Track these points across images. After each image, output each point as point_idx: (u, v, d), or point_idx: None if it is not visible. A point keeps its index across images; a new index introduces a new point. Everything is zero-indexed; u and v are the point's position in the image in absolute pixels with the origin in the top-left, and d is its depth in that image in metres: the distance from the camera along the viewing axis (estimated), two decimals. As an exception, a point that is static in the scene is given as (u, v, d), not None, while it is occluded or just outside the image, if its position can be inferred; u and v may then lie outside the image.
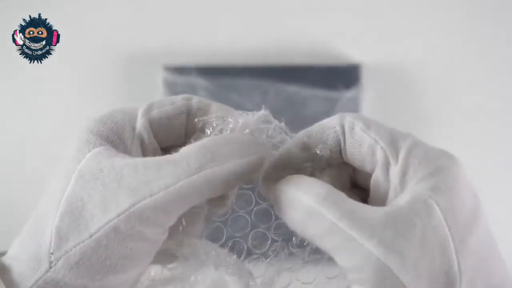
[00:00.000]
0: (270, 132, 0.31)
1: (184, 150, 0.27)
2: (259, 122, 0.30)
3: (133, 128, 0.29)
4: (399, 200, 0.26)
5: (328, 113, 0.90)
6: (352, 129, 0.29)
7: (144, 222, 0.25)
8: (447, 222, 0.25)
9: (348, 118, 0.29)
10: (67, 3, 0.82)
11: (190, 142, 0.30)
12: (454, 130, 0.84)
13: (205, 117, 0.31)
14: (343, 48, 0.83)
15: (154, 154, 0.30)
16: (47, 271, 0.24)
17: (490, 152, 0.83)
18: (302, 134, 0.31)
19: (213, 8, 0.83)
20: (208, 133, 0.30)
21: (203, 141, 0.27)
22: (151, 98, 0.88)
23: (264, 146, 0.29)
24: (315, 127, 0.31)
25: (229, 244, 0.32)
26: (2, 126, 0.84)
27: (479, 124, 0.84)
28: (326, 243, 0.26)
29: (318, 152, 0.30)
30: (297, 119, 0.80)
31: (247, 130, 0.30)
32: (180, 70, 0.81)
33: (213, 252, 0.30)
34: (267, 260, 0.32)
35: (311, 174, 0.30)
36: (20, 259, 0.25)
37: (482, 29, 0.84)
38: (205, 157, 0.26)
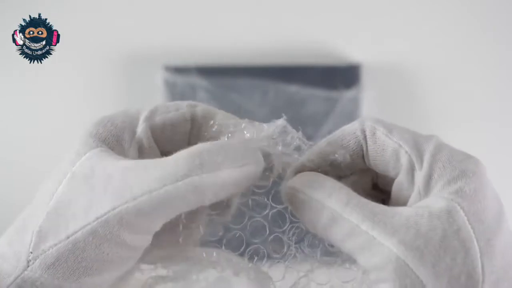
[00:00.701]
0: (280, 147, 0.30)
1: (176, 154, 0.26)
2: (270, 133, 0.30)
3: (134, 132, 0.29)
4: (423, 203, 0.26)
5: (328, 113, 0.90)
6: (373, 134, 0.29)
7: (124, 227, 0.24)
8: (471, 224, 0.25)
9: (369, 123, 0.29)
10: (67, 3, 0.82)
11: None
12: (454, 130, 0.84)
13: (211, 124, 0.30)
14: (343, 48, 0.83)
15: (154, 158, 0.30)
16: (24, 270, 0.24)
17: (490, 152, 0.83)
18: (323, 142, 0.30)
19: (213, 8, 0.83)
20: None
21: (196, 146, 0.26)
22: (151, 98, 0.88)
23: (259, 155, 0.28)
24: (336, 134, 0.30)
25: (248, 250, 0.32)
26: (2, 126, 0.84)
27: (479, 124, 0.84)
28: (348, 245, 0.26)
29: (338, 158, 0.29)
30: (297, 119, 0.80)
31: (247, 134, 0.29)
32: (180, 70, 0.81)
33: (233, 259, 0.30)
34: (286, 263, 0.31)
35: None
36: (6, 257, 0.25)
37: (482, 29, 0.83)
38: (193, 163, 0.25)
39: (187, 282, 0.31)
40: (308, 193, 0.27)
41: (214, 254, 0.30)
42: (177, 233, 0.29)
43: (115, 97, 0.83)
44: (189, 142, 0.31)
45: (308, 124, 0.80)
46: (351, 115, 0.81)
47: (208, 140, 0.30)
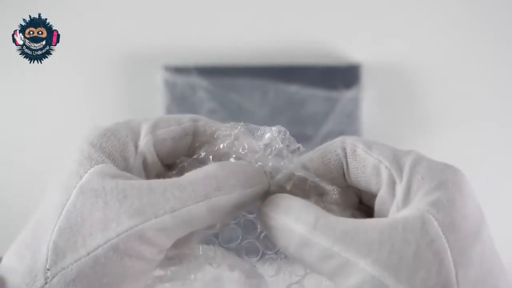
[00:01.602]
0: (270, 163, 0.30)
1: (191, 175, 0.27)
2: (264, 145, 0.30)
3: (136, 147, 0.29)
4: (397, 215, 0.26)
5: (328, 113, 0.90)
6: (354, 152, 0.29)
7: (144, 243, 0.25)
8: (445, 235, 0.24)
9: (349, 141, 0.30)
10: (67, 3, 0.82)
11: (199, 154, 0.30)
12: (454, 130, 0.84)
13: (207, 128, 0.30)
14: (343, 48, 0.83)
15: (157, 171, 0.30)
16: (42, 287, 0.24)
17: (490, 152, 0.83)
18: (303, 158, 0.31)
19: (213, 8, 0.83)
20: (222, 147, 0.30)
21: (210, 168, 0.27)
22: (151, 98, 0.88)
23: (265, 176, 0.29)
24: (316, 151, 0.31)
25: (243, 244, 0.32)
26: (2, 126, 0.84)
27: (479, 124, 0.84)
28: (323, 269, 0.26)
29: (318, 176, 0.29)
30: (297, 119, 0.80)
31: (242, 152, 0.30)
32: (180, 70, 0.81)
33: (229, 256, 0.31)
34: (278, 261, 0.32)
35: (316, 198, 0.30)
36: (15, 271, 0.25)
37: (482, 29, 0.84)
38: (211, 186, 0.26)
39: (185, 282, 0.31)
40: (276, 218, 0.27)
41: (211, 251, 0.31)
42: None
43: (115, 97, 0.83)
44: (188, 154, 0.31)
45: (308, 124, 0.80)
46: (351, 115, 0.81)
47: (203, 143, 0.30)
